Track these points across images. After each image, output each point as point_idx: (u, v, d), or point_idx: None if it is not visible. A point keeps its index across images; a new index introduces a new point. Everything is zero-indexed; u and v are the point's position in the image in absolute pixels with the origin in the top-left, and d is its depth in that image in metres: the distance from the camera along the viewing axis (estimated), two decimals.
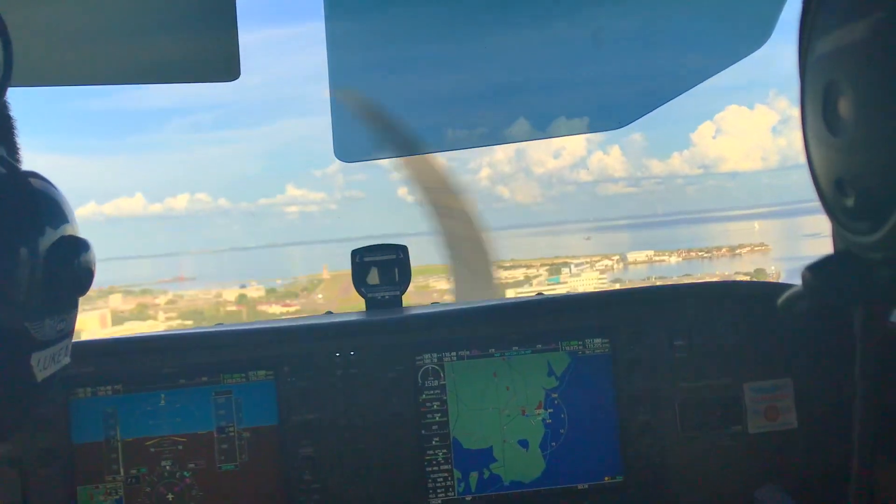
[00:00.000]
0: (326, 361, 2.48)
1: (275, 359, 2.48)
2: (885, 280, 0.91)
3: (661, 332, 2.55)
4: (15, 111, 1.04)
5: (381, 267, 2.68)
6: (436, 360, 2.53)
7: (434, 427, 2.51)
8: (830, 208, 0.95)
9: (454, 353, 2.54)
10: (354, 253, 2.69)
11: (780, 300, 1.21)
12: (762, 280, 2.77)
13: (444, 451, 2.51)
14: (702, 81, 1.94)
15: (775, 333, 2.56)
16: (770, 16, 1.75)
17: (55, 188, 1.03)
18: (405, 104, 2.01)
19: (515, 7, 2.09)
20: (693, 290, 2.68)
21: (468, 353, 2.54)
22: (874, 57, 0.80)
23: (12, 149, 1.04)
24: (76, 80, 1.96)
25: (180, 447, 2.45)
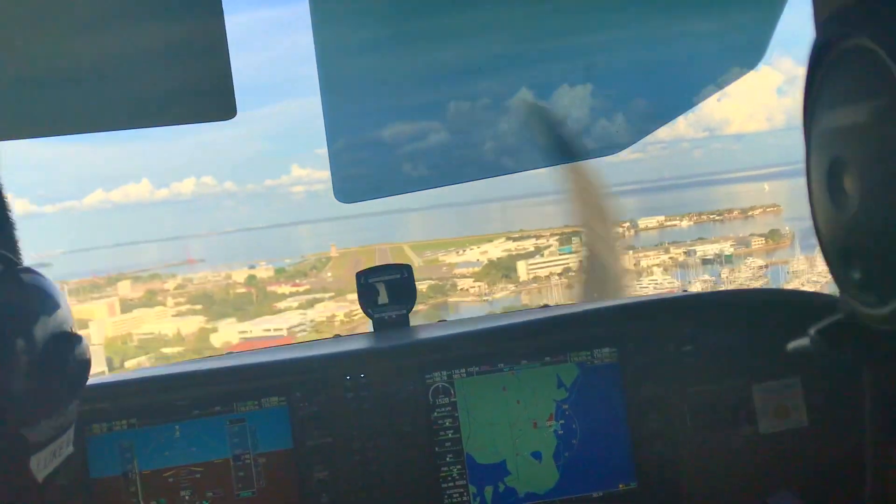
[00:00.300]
0: (337, 385, 2.50)
1: (286, 385, 2.49)
2: (891, 348, 0.91)
3: (668, 338, 2.56)
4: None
5: (387, 287, 2.69)
6: (445, 378, 2.55)
7: (447, 444, 2.54)
8: (837, 276, 0.95)
9: (463, 370, 2.55)
10: (359, 275, 2.70)
11: (790, 346, 1.21)
12: (766, 288, 2.76)
13: (459, 466, 2.54)
14: (695, 105, 1.94)
15: (781, 334, 2.56)
16: (762, 39, 1.74)
17: (48, 282, 1.01)
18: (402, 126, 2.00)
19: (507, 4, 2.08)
20: (698, 300, 2.69)
21: (477, 368, 2.56)
22: (878, 140, 0.80)
23: (11, 245, 1.03)
24: (68, 129, 1.95)
25: (198, 476, 2.48)
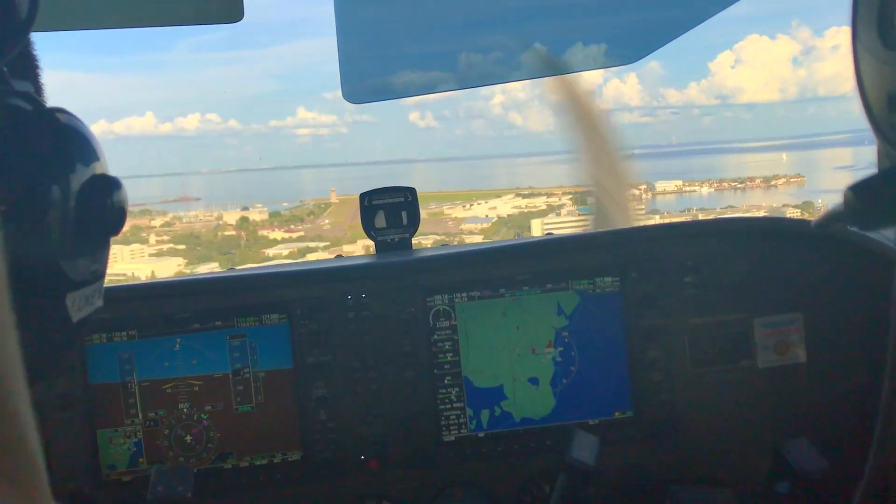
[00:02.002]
0: (339, 304, 2.50)
1: (288, 302, 2.49)
2: None
3: (671, 268, 2.55)
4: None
5: (390, 210, 2.67)
6: (447, 301, 2.55)
7: (446, 366, 2.55)
8: (879, 125, 0.92)
9: (464, 294, 2.55)
10: (363, 196, 2.68)
11: (815, 220, 1.19)
12: (781, 216, 2.74)
13: (457, 389, 2.55)
14: (718, 11, 1.89)
15: (786, 269, 2.56)
16: None
17: (83, 124, 1.01)
18: (416, 33, 1.95)
19: None
20: (703, 227, 2.68)
21: (479, 293, 2.55)
22: None
23: (38, 87, 1.02)
24: (81, 24, 1.92)
25: (196, 388, 2.49)
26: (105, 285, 1.08)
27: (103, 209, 0.98)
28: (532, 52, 2.23)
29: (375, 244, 2.70)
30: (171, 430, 2.49)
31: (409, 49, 1.98)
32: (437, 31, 1.84)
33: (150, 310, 2.49)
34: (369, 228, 2.67)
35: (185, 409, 2.49)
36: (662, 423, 2.55)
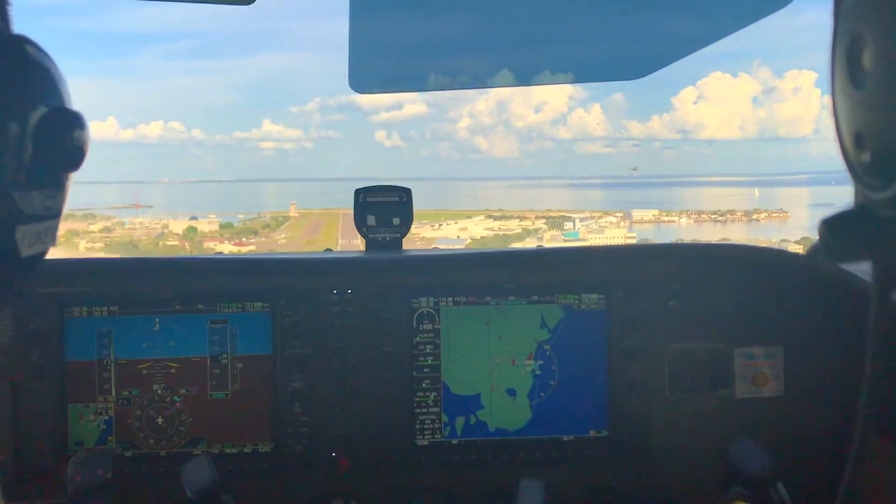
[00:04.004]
0: (324, 297, 2.49)
1: (272, 291, 2.48)
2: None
3: (657, 291, 2.56)
4: None
5: (384, 208, 2.67)
6: (432, 305, 2.54)
7: (426, 370, 2.54)
8: (849, 162, 0.94)
9: (450, 299, 2.55)
10: (358, 192, 2.68)
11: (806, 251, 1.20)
12: (759, 246, 2.75)
13: (434, 394, 2.54)
14: (722, 37, 1.91)
15: (771, 301, 2.57)
16: None
17: (49, 57, 0.99)
18: (429, 25, 1.94)
19: None
20: (693, 251, 2.69)
21: (464, 299, 2.55)
22: None
23: (5, 17, 1.00)
24: None
25: (173, 371, 2.47)
26: (89, 259, 1.06)
27: (63, 143, 0.95)
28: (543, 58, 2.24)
29: (366, 242, 2.69)
30: (143, 410, 2.46)
31: (422, 42, 1.98)
32: (450, 27, 1.85)
33: (132, 287, 2.47)
34: (361, 225, 2.67)
35: (158, 391, 2.46)
36: (636, 445, 2.54)
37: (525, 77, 2.17)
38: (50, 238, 1.01)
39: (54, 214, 1.00)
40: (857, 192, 0.95)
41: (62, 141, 0.95)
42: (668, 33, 1.96)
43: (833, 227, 0.95)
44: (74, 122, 0.97)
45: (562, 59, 2.12)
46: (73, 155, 0.97)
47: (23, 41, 0.95)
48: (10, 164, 0.88)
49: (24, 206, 0.92)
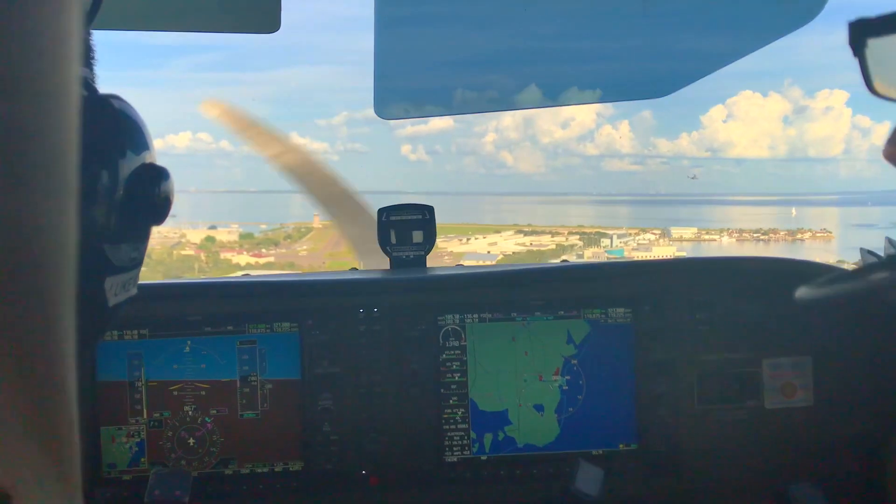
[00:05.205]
0: (350, 317, 2.51)
1: (299, 312, 2.50)
2: None
3: (683, 304, 2.56)
4: None
5: (407, 226, 2.69)
6: (457, 321, 2.55)
7: (453, 386, 2.54)
8: None
9: (476, 316, 2.56)
10: (381, 211, 2.70)
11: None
12: (786, 258, 2.74)
13: (462, 410, 2.55)
14: (748, 53, 1.92)
15: (798, 311, 2.56)
16: None
17: (136, 112, 1.02)
18: (455, 52, 1.96)
19: None
20: (718, 264, 2.69)
21: (490, 315, 2.56)
22: None
23: (93, 75, 1.04)
24: (130, 26, 1.96)
25: (203, 393, 2.49)
26: None
27: (150, 197, 0.98)
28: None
29: (391, 260, 2.71)
30: (175, 431, 2.48)
31: (447, 62, 2.00)
32: (477, 50, 1.86)
33: (162, 310, 2.50)
34: (385, 244, 2.69)
35: (189, 412, 2.49)
36: (666, 457, 2.54)
37: (552, 95, 2.19)
38: (132, 286, 1.04)
39: (137, 264, 1.03)
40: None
41: (151, 195, 0.98)
42: (692, 50, 1.97)
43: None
44: (162, 176, 1.00)
45: (588, 77, 2.13)
46: (161, 208, 1.01)
47: (110, 97, 0.99)
48: (103, 218, 0.91)
49: (114, 258, 0.95)
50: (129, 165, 0.96)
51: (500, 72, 2.09)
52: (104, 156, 0.92)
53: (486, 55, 1.88)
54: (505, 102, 2.36)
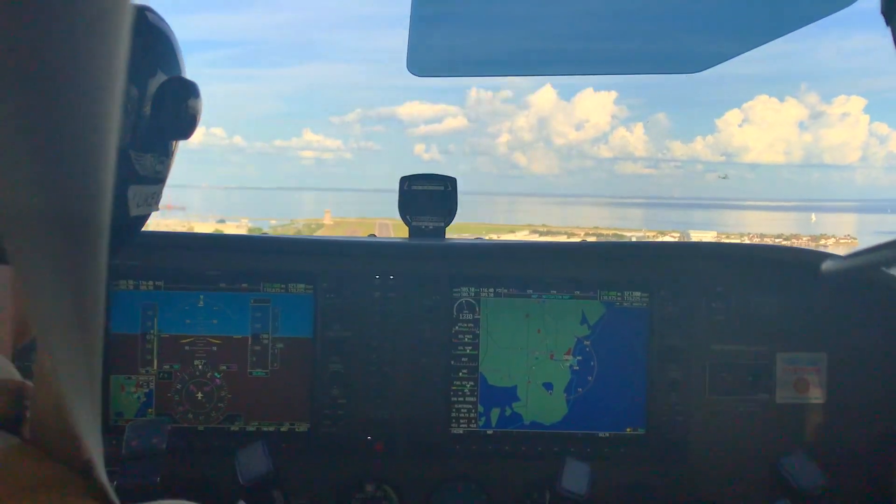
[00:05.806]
0: (366, 282, 2.50)
1: (315, 274, 2.50)
2: None
3: (700, 292, 2.54)
4: None
5: (429, 197, 2.68)
6: (473, 294, 2.54)
7: (464, 359, 2.54)
8: None
9: (491, 290, 2.55)
10: (403, 180, 2.68)
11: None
12: (808, 248, 2.71)
13: (471, 383, 2.54)
14: (785, 34, 1.88)
15: (815, 306, 2.54)
16: None
17: (167, 25, 1.02)
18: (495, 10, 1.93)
19: None
20: (738, 251, 2.66)
21: (506, 290, 2.55)
22: None
23: None
24: None
25: (214, 348, 2.50)
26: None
27: (178, 111, 0.98)
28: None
29: (410, 229, 2.70)
30: (184, 385, 2.49)
31: (483, 27, 1.98)
32: (514, 12, 1.84)
33: (178, 262, 2.50)
34: (405, 213, 2.68)
35: (199, 366, 2.49)
36: (674, 444, 2.52)
37: (582, 66, 2.16)
38: (155, 202, 1.04)
39: (161, 179, 1.03)
40: None
41: (178, 108, 0.98)
42: (730, 26, 1.94)
43: None
44: (191, 90, 1.00)
45: (623, 48, 2.11)
46: (187, 122, 1.00)
47: (144, 9, 0.98)
48: (130, 124, 0.91)
49: (139, 167, 0.95)
50: (158, 77, 0.96)
51: (536, 35, 2.06)
52: (134, 64, 0.93)
53: (523, 17, 1.86)
54: (539, 66, 2.34)
